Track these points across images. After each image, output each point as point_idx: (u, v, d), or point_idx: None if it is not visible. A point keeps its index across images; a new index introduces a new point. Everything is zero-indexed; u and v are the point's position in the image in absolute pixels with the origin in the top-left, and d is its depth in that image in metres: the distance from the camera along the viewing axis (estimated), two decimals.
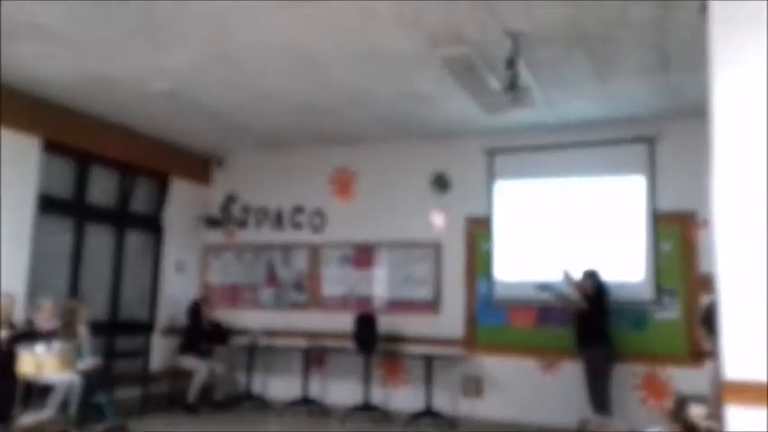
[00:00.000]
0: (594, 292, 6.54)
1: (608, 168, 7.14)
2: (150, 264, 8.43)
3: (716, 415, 3.44)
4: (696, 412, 3.23)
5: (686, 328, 6.56)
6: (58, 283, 7.11)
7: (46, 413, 2.80)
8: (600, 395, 6.19)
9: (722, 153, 3.33)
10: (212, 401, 7.93)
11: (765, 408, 3.06)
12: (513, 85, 5.18)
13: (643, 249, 6.90)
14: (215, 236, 9.05)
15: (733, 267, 3.27)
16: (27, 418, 2.66)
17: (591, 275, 6.62)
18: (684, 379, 6.27)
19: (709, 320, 3.89)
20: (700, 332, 4.24)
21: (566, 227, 7.24)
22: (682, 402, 3.36)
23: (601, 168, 7.16)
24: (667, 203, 6.85)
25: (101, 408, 6.16)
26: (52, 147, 6.97)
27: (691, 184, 6.49)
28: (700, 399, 3.49)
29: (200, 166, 9.07)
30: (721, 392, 3.22)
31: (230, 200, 9.04)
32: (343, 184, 8.47)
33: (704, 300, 5.03)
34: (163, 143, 8.36)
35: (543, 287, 6.91)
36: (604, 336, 6.43)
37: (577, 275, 6.76)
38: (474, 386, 7.39)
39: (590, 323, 6.47)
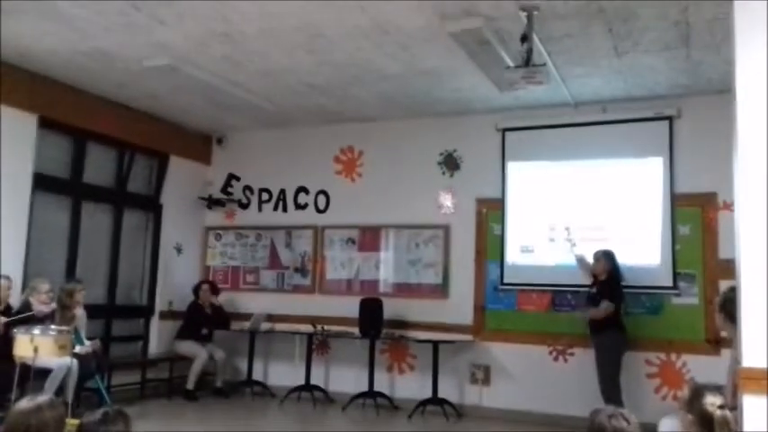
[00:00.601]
0: (607, 274, 6.53)
1: (625, 149, 7.11)
2: (149, 245, 8.49)
3: (733, 404, 3.46)
4: (712, 401, 3.25)
5: (704, 315, 6.57)
6: (54, 264, 7.17)
7: (43, 397, 2.83)
8: (610, 383, 6.21)
9: (746, 132, 3.31)
10: (212, 388, 8.02)
11: None
12: (527, 62, 5.15)
13: (660, 233, 6.89)
14: (216, 217, 9.09)
15: (755, 251, 3.27)
16: (24, 402, 2.70)
17: (606, 255, 6.57)
18: (700, 368, 6.30)
19: (728, 307, 3.91)
20: (718, 318, 4.24)
21: (580, 210, 7.23)
22: (697, 391, 3.37)
23: (618, 149, 7.14)
24: (686, 185, 6.83)
25: (98, 392, 6.26)
26: (49, 124, 7.00)
27: (712, 165, 6.46)
28: (716, 388, 3.51)
29: (200, 145, 9.08)
30: (739, 381, 3.24)
31: (231, 179, 9.06)
32: (349, 163, 8.48)
33: (723, 286, 5.03)
34: (162, 121, 8.38)
35: (582, 261, 6.87)
36: (617, 322, 6.43)
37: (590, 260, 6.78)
38: (482, 374, 7.45)
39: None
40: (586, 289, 6.97)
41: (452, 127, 7.90)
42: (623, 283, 6.59)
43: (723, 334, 6.01)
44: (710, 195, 6.71)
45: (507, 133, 7.65)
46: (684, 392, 3.52)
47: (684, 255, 6.79)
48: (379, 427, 6.92)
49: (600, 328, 6.43)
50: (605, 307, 6.37)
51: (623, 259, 6.70)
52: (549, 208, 7.41)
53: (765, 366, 3.12)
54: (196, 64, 6.39)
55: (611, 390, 6.15)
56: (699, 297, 6.68)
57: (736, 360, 3.53)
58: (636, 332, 6.64)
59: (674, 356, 6.70)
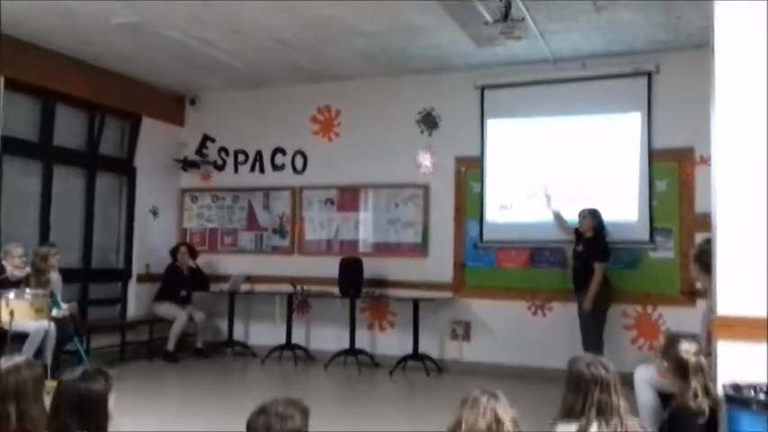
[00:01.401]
0: (594, 231, 6.59)
1: (604, 105, 7.15)
2: (124, 208, 8.42)
3: (707, 351, 3.57)
4: (687, 348, 3.34)
5: (680, 268, 6.72)
6: (27, 229, 7.10)
7: (21, 357, 2.83)
8: (595, 338, 6.31)
9: (723, 87, 3.35)
10: (193, 349, 8.06)
11: (755, 342, 3.17)
12: (505, 16, 5.12)
13: (637, 188, 6.98)
14: (191, 179, 9.00)
15: (731, 203, 3.34)
16: (1, 362, 2.69)
17: (591, 213, 6.65)
18: (676, 319, 6.46)
19: (703, 257, 4.00)
20: (693, 269, 4.34)
21: (559, 167, 7.29)
22: (672, 339, 3.46)
23: (597, 105, 7.18)
24: (664, 141, 6.91)
25: (77, 355, 6.25)
26: (15, 86, 6.84)
27: (689, 120, 6.52)
28: (691, 336, 3.61)
29: (172, 106, 8.94)
30: (713, 328, 3.33)
31: (206, 141, 8.96)
32: (326, 123, 8.42)
33: (699, 239, 5.13)
34: (132, 81, 8.21)
35: (558, 216, 6.94)
36: (603, 277, 6.51)
37: (568, 216, 6.86)
38: (462, 329, 7.57)
39: (587, 264, 6.52)
40: (562, 245, 7.10)
41: (431, 85, 7.85)
42: (608, 239, 6.69)
43: (698, 285, 6.14)
44: (687, 150, 6.79)
45: (486, 91, 7.64)
46: (660, 341, 3.62)
47: (661, 210, 6.91)
48: (361, 384, 7.03)
49: (586, 283, 6.49)
50: (598, 271, 6.41)
51: (602, 216, 6.77)
52: (527, 165, 7.46)
53: (738, 314, 3.20)
54: (165, 21, 6.25)
55: (595, 344, 6.21)
56: (675, 251, 6.82)
57: (711, 309, 3.63)
58: (613, 286, 6.75)
59: (650, 309, 6.86)
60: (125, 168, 8.39)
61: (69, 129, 7.69)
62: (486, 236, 7.56)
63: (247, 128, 8.73)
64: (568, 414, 2.73)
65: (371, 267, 7.76)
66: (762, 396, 3.02)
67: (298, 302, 8.18)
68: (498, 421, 2.32)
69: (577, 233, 6.79)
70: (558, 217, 6.97)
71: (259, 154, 8.71)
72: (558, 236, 7.14)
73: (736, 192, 3.32)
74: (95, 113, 7.96)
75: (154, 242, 8.54)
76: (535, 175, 7.36)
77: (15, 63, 6.70)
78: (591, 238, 6.60)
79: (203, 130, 8.98)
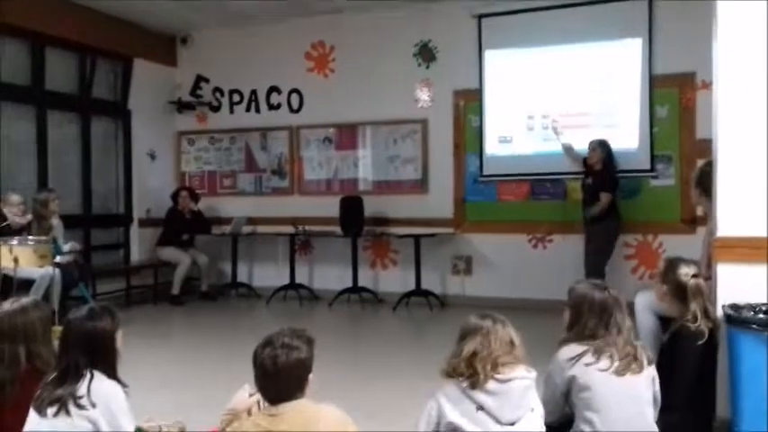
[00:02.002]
0: (602, 163, 6.54)
1: (604, 31, 7.02)
2: (121, 153, 8.38)
3: (707, 275, 3.61)
4: (686, 271, 3.38)
5: (680, 195, 6.73)
6: (24, 177, 7.08)
7: (28, 299, 2.87)
8: (598, 266, 6.35)
9: (726, 10, 3.29)
10: (198, 292, 8.16)
11: (755, 264, 3.21)
12: None
13: (638, 116, 6.93)
14: (187, 121, 8.93)
15: (732, 126, 3.32)
16: (8, 304, 2.73)
17: (601, 145, 6.59)
18: (676, 247, 6.44)
19: (704, 181, 4.00)
20: (694, 193, 4.34)
21: (559, 96, 7.21)
22: (672, 263, 3.50)
23: (596, 32, 7.05)
24: (665, 66, 6.82)
25: (84, 301, 6.33)
26: (3, 29, 6.70)
27: (690, 45, 6.39)
28: (690, 260, 3.64)
29: (164, 46, 8.78)
30: (713, 251, 3.36)
31: (200, 82, 8.84)
32: (321, 59, 8.28)
33: (699, 163, 5.11)
34: (122, 21, 8.04)
35: (569, 150, 6.91)
36: (614, 209, 6.53)
37: (578, 148, 6.83)
38: (464, 264, 7.64)
39: (596, 196, 6.49)
40: (562, 177, 7.10)
41: (426, 15, 7.69)
42: (618, 170, 6.67)
43: (698, 212, 6.17)
44: (689, 75, 6.71)
45: (483, 20, 7.49)
46: (660, 266, 3.66)
47: (662, 137, 6.87)
48: (366, 320, 7.16)
49: (597, 216, 6.49)
50: (604, 199, 6.43)
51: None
52: (526, 97, 7.38)
53: (738, 234, 3.23)
54: None
55: (597, 272, 6.21)
56: (675, 178, 6.83)
57: (711, 233, 3.65)
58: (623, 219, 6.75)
59: (650, 237, 6.91)
60: (119, 112, 8.31)
61: (61, 73, 7.58)
62: (487, 170, 7.54)
63: (241, 67, 8.59)
64: (574, 337, 2.79)
65: (372, 206, 7.78)
66: (761, 315, 3.07)
67: (300, 243, 8.24)
68: (512, 344, 2.37)
69: (586, 165, 6.74)
70: (569, 150, 6.91)
71: (254, 93, 8.61)
72: (558, 167, 7.14)
73: (738, 114, 3.30)
74: (86, 56, 7.83)
75: (153, 186, 8.53)
76: (534, 107, 7.30)
77: (3, 6, 6.55)
78: (599, 171, 6.55)
79: (197, 71, 8.85)
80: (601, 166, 6.58)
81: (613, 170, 6.65)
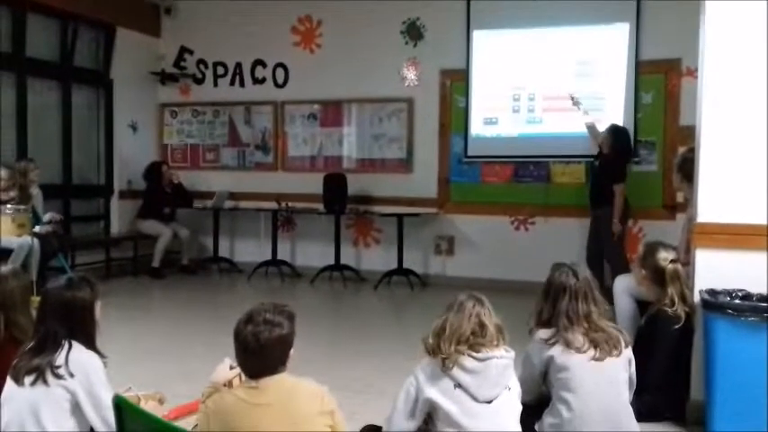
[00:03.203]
0: (611, 150, 6.35)
1: (592, 15, 7.02)
2: (102, 123, 8.26)
3: (685, 260, 3.66)
4: (664, 256, 3.43)
5: (663, 181, 6.79)
6: (4, 146, 6.94)
7: (6, 267, 2.84)
8: (618, 256, 6.20)
9: None
10: (178, 266, 8.12)
11: (734, 250, 3.26)
12: None
13: (623, 101, 6.95)
14: (170, 93, 8.81)
15: (716, 113, 3.35)
16: None
17: (613, 132, 6.38)
18: (656, 232, 6.50)
19: (686, 166, 4.04)
20: (675, 179, 4.39)
21: (546, 80, 7.21)
22: (651, 247, 3.55)
23: (584, 15, 7.04)
24: (651, 52, 6.84)
25: (62, 271, 6.29)
26: None
27: (677, 31, 6.41)
28: (669, 246, 3.69)
29: (147, 15, 8.63)
30: (692, 236, 3.41)
31: (184, 53, 8.71)
32: (307, 34, 8.20)
33: (681, 149, 5.15)
34: None
35: (592, 128, 6.72)
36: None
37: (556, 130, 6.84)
38: (446, 244, 7.68)
39: (602, 181, 6.36)
40: (545, 160, 7.12)
41: None
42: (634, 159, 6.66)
43: (679, 198, 6.24)
44: (675, 62, 6.74)
45: (472, 0, 7.44)
46: (639, 251, 3.71)
47: (646, 122, 6.92)
48: (347, 298, 7.18)
49: (600, 201, 6.37)
50: (619, 192, 6.20)
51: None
52: (512, 79, 7.37)
53: (718, 221, 3.27)
54: None
55: (620, 262, 6.08)
56: (658, 164, 6.89)
57: (691, 219, 3.70)
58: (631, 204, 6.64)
59: (630, 222, 6.95)
60: (101, 81, 8.17)
61: (42, 39, 7.43)
62: (471, 151, 7.55)
63: (226, 39, 8.47)
64: (539, 321, 2.82)
65: (356, 183, 7.76)
66: (737, 301, 3.13)
67: (282, 219, 8.21)
68: (482, 325, 2.39)
69: (599, 147, 6.57)
70: (591, 129, 6.74)
71: (239, 66, 8.51)
72: (541, 151, 7.17)
73: (722, 101, 3.33)
74: (68, 23, 7.68)
75: (134, 158, 8.42)
76: (520, 89, 7.29)
77: None
78: (607, 156, 6.39)
79: (180, 42, 8.72)
80: (609, 152, 6.37)
81: (622, 160, 6.43)
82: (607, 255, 6.35)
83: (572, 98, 6.88)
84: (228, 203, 8.31)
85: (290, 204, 7.95)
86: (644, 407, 3.10)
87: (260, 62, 8.40)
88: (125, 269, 7.89)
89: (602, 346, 2.68)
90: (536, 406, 2.78)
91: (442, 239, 7.69)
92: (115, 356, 2.57)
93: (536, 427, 2.73)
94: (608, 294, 3.70)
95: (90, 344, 2.43)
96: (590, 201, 6.59)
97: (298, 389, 2.09)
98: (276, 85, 8.35)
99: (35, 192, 6.30)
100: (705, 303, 3.19)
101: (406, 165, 7.84)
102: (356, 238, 8.05)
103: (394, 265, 7.49)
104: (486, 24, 7.43)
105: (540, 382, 2.80)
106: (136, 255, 7.91)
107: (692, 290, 3.40)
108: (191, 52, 8.70)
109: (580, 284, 2.76)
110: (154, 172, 8.09)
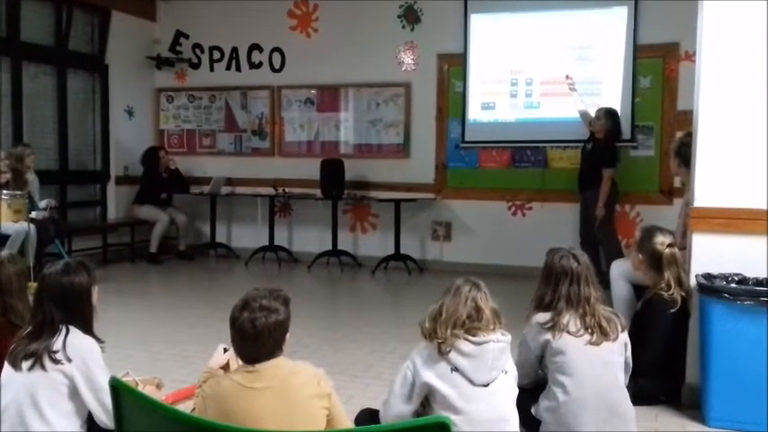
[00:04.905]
0: (605, 134, 6.39)
1: None
2: (98, 108, 8.21)
3: (681, 245, 3.67)
4: (661, 240, 3.44)
5: (660, 166, 6.79)
6: None
7: (3, 252, 2.84)
8: (611, 241, 6.26)
9: None
10: (176, 251, 8.12)
11: (731, 234, 3.26)
12: None
13: (621, 85, 6.94)
14: (166, 77, 8.77)
15: (713, 97, 3.34)
16: None
17: (607, 114, 6.43)
18: (653, 217, 6.51)
19: (683, 151, 4.04)
20: (672, 163, 4.38)
21: (543, 64, 7.18)
22: (648, 232, 3.55)
23: None
24: (649, 36, 6.81)
25: (59, 257, 6.28)
26: None
27: (676, 15, 6.39)
28: (666, 230, 3.69)
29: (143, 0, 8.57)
30: (689, 221, 3.41)
31: (180, 37, 8.66)
32: (304, 18, 8.15)
33: (679, 134, 5.14)
34: None
35: (585, 115, 6.73)
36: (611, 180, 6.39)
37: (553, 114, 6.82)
38: (443, 230, 7.68)
39: (594, 165, 6.38)
40: (542, 145, 7.10)
41: None
42: (622, 139, 6.62)
43: (676, 183, 6.24)
44: (673, 46, 6.72)
45: None
46: (636, 235, 3.72)
47: (643, 107, 6.90)
48: (344, 283, 7.19)
49: (590, 184, 6.40)
50: (606, 177, 6.27)
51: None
52: (510, 63, 7.34)
53: (715, 205, 3.27)
54: None
55: (613, 245, 6.17)
56: (655, 149, 6.88)
57: (688, 203, 3.70)
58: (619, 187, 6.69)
59: (627, 207, 6.97)
60: (96, 66, 8.12)
61: (37, 24, 7.38)
62: (468, 136, 7.53)
63: (222, 23, 8.42)
64: (541, 305, 2.83)
65: (353, 169, 7.74)
66: (733, 285, 3.14)
67: (280, 205, 8.21)
68: (479, 309, 2.40)
69: (591, 131, 6.60)
70: (584, 115, 6.75)
71: (235, 51, 8.46)
72: (538, 136, 7.17)
73: (720, 86, 3.32)
74: (63, 7, 7.62)
75: (131, 143, 8.40)
76: (518, 74, 7.27)
77: None
78: (601, 140, 6.41)
79: (176, 26, 8.66)
80: (603, 136, 6.41)
81: (615, 143, 6.48)
82: (600, 239, 6.37)
83: (567, 78, 6.85)
84: (225, 189, 8.30)
85: (287, 190, 7.94)
86: (639, 390, 3.12)
87: (256, 46, 8.36)
88: (122, 255, 7.89)
89: (598, 330, 2.68)
90: (532, 389, 2.79)
91: (439, 225, 7.69)
92: (113, 342, 2.58)
93: (532, 411, 2.75)
94: (603, 278, 3.71)
95: (87, 329, 2.43)
96: (578, 183, 6.63)
97: (295, 372, 2.10)
98: (273, 69, 8.31)
99: (31, 177, 6.27)
100: (701, 287, 3.20)
101: (403, 150, 7.83)
102: (353, 224, 8.05)
103: (391, 251, 7.49)
104: (484, 8, 7.39)
105: (536, 366, 2.81)
106: (133, 240, 7.91)
107: (688, 274, 3.41)
108: (186, 36, 8.64)
109: (581, 268, 2.76)
110: (151, 157, 8.08)
